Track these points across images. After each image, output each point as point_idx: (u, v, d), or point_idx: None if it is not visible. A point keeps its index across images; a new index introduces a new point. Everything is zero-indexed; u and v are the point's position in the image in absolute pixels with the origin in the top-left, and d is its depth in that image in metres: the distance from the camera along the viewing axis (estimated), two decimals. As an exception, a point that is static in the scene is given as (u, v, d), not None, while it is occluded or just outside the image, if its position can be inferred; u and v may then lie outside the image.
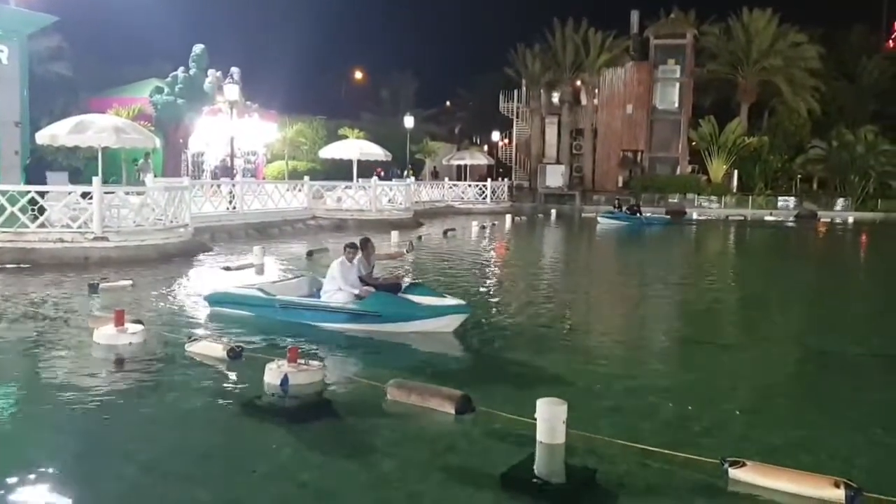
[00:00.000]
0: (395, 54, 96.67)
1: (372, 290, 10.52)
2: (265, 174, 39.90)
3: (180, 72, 34.48)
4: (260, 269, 17.15)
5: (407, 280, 12.01)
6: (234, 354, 8.62)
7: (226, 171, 30.19)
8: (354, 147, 35.08)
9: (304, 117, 45.83)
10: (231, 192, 26.13)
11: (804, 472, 5.46)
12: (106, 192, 17.95)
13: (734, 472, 5.53)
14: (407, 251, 14.40)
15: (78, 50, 36.02)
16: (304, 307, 10.66)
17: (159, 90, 34.21)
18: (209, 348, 8.92)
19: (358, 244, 10.99)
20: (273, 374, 7.45)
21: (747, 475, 5.49)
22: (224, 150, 31.55)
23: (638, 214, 36.29)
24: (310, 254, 20.04)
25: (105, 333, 9.29)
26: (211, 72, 35.30)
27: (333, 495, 5.39)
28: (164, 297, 12.99)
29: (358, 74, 72.45)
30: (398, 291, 10.74)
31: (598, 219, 36.82)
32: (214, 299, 11.52)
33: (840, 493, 5.16)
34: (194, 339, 9.28)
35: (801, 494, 5.28)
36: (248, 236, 24.02)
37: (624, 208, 37.54)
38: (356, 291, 10.41)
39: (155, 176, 24.95)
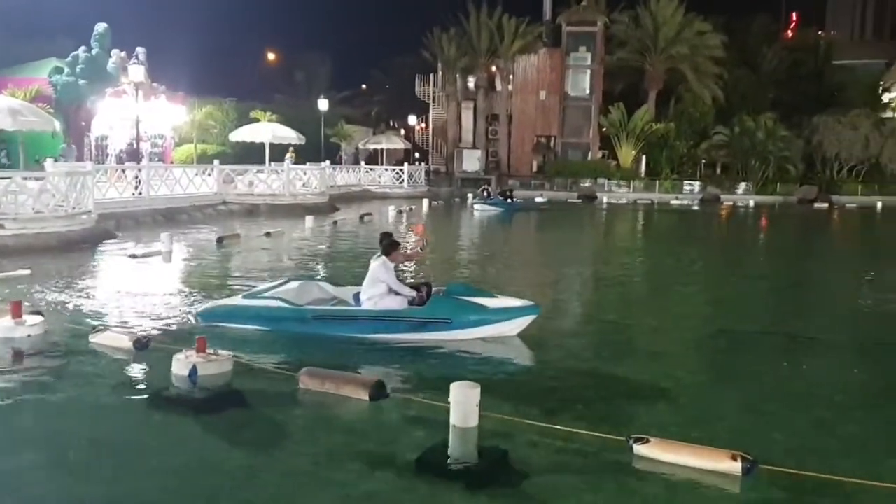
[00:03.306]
0: (309, 35, 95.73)
1: (418, 293, 9.36)
2: (173, 158, 38.74)
3: (81, 51, 33.08)
4: (168, 257, 16.70)
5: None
6: (141, 345, 8.37)
7: (132, 155, 29.13)
8: (267, 130, 34.46)
9: (214, 99, 44.75)
10: (137, 177, 25.25)
11: (704, 447, 5.71)
12: (1, 178, 17.12)
13: (639, 448, 5.73)
14: (421, 249, 13.07)
15: (-33, 26, 34.08)
16: (351, 318, 9.28)
17: (59, 70, 32.72)
18: (114, 339, 8.63)
19: (393, 239, 9.61)
20: (181, 364, 7.29)
21: (651, 451, 5.70)
22: (129, 134, 30.44)
23: (510, 200, 36.37)
24: (220, 240, 19.60)
25: (1, 326, 8.86)
26: (115, 52, 34.00)
27: (245, 485, 5.32)
28: (66, 287, 12.46)
29: (270, 55, 70.98)
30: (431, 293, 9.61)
31: (474, 206, 35.95)
32: (214, 314, 9.68)
33: (737, 466, 5.43)
34: (98, 330, 8.96)
35: (701, 468, 5.52)
36: (156, 222, 23.35)
37: (495, 193, 37.45)
38: (413, 295, 9.25)
39: (56, 160, 23.89)
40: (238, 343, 8.69)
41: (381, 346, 8.94)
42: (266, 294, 9.75)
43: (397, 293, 9.22)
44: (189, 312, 10.42)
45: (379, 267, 9.21)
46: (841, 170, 54.08)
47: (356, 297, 9.61)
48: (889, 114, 57.78)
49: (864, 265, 19.64)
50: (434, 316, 9.03)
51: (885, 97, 61.13)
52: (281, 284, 10.24)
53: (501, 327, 9.21)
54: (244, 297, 9.87)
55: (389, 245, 9.41)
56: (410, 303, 9.22)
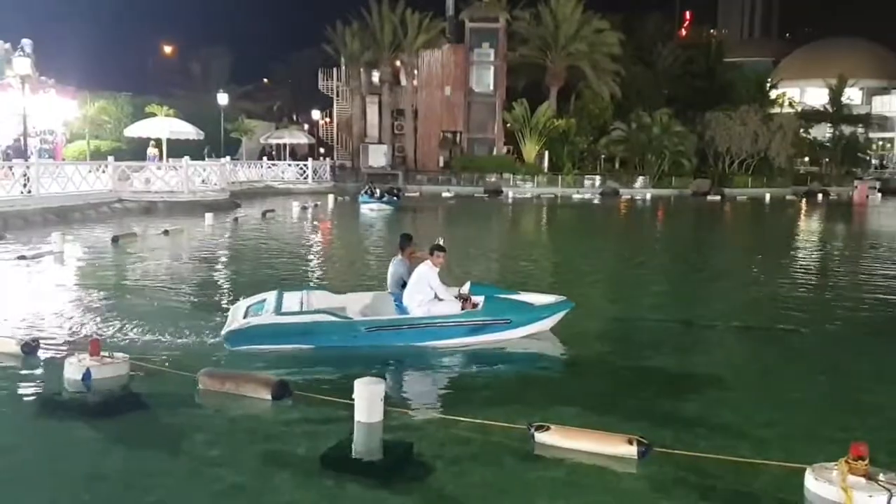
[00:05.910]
0: (207, 27, 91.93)
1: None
2: (65, 155, 37.01)
3: (-40, 42, 31.22)
4: (60, 258, 15.98)
5: None
6: (29, 349, 8.02)
7: (19, 152, 27.70)
8: (163, 125, 33.41)
9: (108, 93, 42.99)
10: (25, 175, 24.05)
11: (602, 432, 5.91)
12: None
13: (540, 436, 5.89)
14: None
15: None
16: (409, 326, 8.85)
17: (-65, 62, 30.77)
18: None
19: (437, 243, 9.37)
20: (74, 368, 7.04)
21: (552, 438, 5.87)
22: (16, 130, 28.92)
23: (396, 198, 35.60)
24: (115, 239, 18.89)
25: None
26: (-3, 43, 32.24)
27: (139, 491, 5.16)
28: (-53, 291, 11.79)
29: (166, 48, 68.74)
30: None
31: (362, 206, 34.20)
32: (246, 336, 8.54)
33: (633, 449, 5.66)
34: (-18, 336, 8.51)
35: (600, 452, 5.72)
36: (47, 222, 22.34)
37: (380, 191, 36.22)
38: (457, 297, 9.19)
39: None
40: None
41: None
42: (284, 308, 8.86)
43: (441, 298, 9.02)
44: (199, 332, 9.28)
45: (428, 272, 8.99)
46: (732, 163, 56.69)
47: (398, 302, 9.26)
48: (776, 109, 60.97)
49: (750, 254, 20.63)
50: (494, 317, 8.93)
51: (772, 94, 64.55)
52: (279, 298, 9.13)
53: (543, 324, 9.30)
54: (276, 314, 8.71)
55: (433, 248, 9.20)
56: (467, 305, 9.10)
